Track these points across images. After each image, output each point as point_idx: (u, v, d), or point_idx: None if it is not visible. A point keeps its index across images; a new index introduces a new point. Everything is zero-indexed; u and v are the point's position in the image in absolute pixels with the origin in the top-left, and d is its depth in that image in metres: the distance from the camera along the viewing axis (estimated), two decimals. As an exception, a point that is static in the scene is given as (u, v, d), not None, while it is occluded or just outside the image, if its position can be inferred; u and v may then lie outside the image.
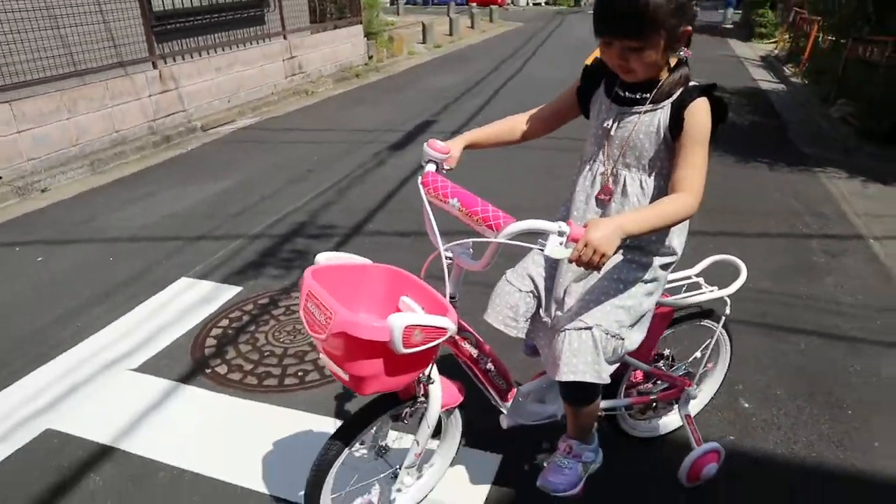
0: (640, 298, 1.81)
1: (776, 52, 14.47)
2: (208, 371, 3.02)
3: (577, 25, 21.48)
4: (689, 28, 1.60)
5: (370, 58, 12.24)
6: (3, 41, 6.07)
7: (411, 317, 1.53)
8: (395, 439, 2.07)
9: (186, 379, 2.97)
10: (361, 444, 1.96)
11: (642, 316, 1.84)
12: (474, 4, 23.75)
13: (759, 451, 2.48)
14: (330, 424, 2.60)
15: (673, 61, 1.67)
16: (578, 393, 1.85)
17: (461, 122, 7.67)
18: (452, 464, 2.38)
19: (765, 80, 11.04)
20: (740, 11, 20.98)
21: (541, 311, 1.91)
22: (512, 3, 28.48)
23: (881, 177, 5.85)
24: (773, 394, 2.78)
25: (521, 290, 1.90)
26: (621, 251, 1.79)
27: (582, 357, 1.73)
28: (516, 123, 2.01)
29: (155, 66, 7.55)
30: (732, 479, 2.33)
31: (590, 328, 1.73)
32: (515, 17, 23.52)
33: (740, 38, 17.69)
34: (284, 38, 9.82)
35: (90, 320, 3.49)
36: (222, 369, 3.03)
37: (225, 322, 3.43)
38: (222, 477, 2.38)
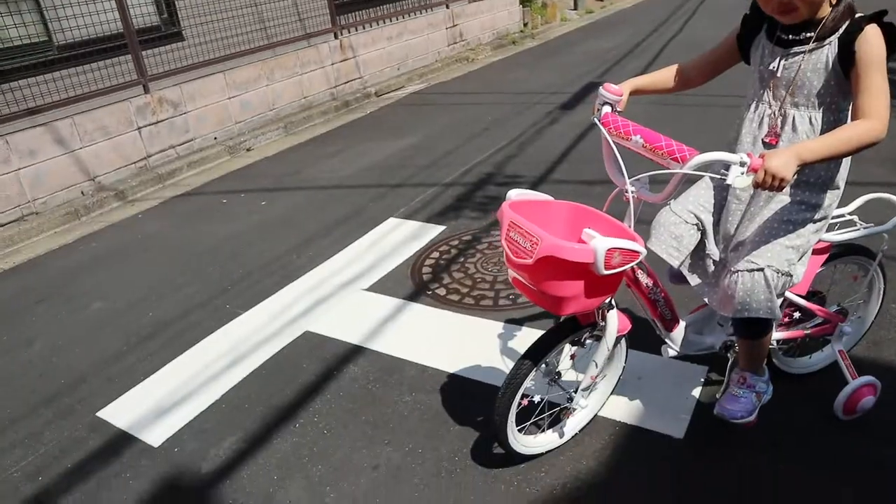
0: (809, 237, 1.91)
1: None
2: (429, 293, 3.43)
3: (736, -16, 20.26)
4: None
5: (525, 25, 12.38)
6: (219, 19, 6.90)
7: (612, 240, 1.69)
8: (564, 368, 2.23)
9: (412, 298, 3.40)
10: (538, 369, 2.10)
11: (807, 251, 1.94)
12: (624, -32, 23.00)
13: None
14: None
15: None
16: (752, 328, 1.99)
17: (626, 79, 7.68)
18: (665, 373, 2.62)
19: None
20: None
21: (707, 243, 2.01)
22: (663, -36, 27.18)
23: None
24: None
25: (686, 222, 2.00)
26: (789, 191, 1.89)
27: (755, 296, 1.85)
28: (677, 72, 2.14)
29: (336, 37, 8.19)
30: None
31: (762, 269, 1.84)
32: (667, -22, 22.55)
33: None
34: (447, 7, 10.21)
35: (319, 250, 4.03)
36: (441, 291, 3.43)
37: (436, 254, 3.84)
38: (460, 373, 2.76)
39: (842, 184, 1.93)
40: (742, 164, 1.60)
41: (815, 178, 1.89)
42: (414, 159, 5.61)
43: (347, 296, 3.47)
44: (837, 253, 2.26)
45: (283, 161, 6.15)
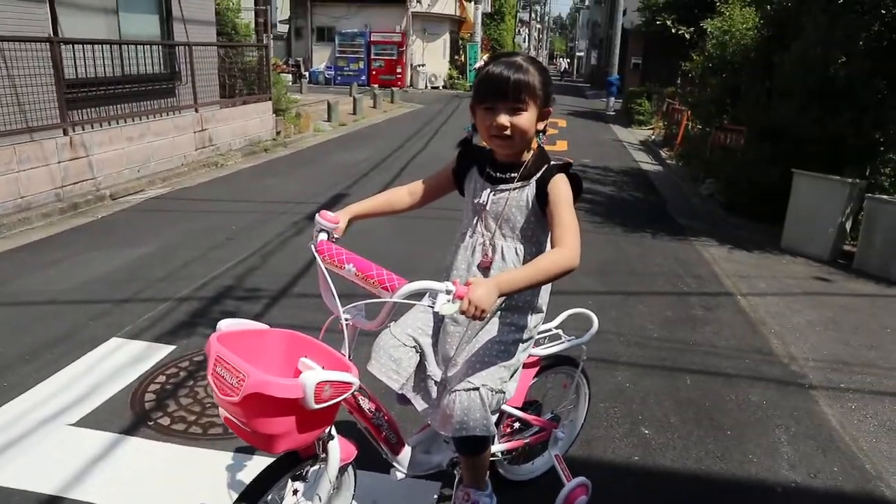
0: (518, 355, 2.07)
1: (653, 137, 16.01)
2: (151, 423, 3.11)
3: (474, 108, 22.75)
4: (550, 109, 2.00)
5: (278, 133, 12.54)
6: None
7: (322, 373, 1.66)
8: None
9: (129, 431, 3.04)
10: None
11: (518, 368, 2.16)
12: (376, 85, 24.74)
13: (659, 467, 2.91)
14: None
15: (534, 146, 2.00)
16: (472, 445, 2.07)
17: (372, 194, 8.06)
18: (399, 493, 2.63)
19: (645, 162, 12.28)
20: (621, 100, 22.89)
21: (427, 366, 2.10)
22: (411, 84, 29.80)
23: (743, 244, 6.80)
24: (669, 421, 3.25)
25: (404, 345, 2.07)
26: (499, 315, 2.09)
27: (472, 415, 1.94)
28: (398, 196, 2.25)
29: (66, 133, 7.52)
30: (640, 490, 2.72)
31: (477, 388, 1.95)
32: (415, 98, 24.67)
33: (622, 124, 19.38)
34: (196, 111, 9.99)
35: (19, 379, 3.47)
36: (165, 421, 3.14)
37: (162, 378, 3.53)
38: (179, 516, 2.50)
39: (544, 307, 2.14)
40: (448, 293, 1.68)
41: (521, 302, 2.07)
42: (147, 271, 5.21)
43: (48, 434, 3.01)
44: (547, 365, 2.48)
45: (-14, 271, 5.33)
